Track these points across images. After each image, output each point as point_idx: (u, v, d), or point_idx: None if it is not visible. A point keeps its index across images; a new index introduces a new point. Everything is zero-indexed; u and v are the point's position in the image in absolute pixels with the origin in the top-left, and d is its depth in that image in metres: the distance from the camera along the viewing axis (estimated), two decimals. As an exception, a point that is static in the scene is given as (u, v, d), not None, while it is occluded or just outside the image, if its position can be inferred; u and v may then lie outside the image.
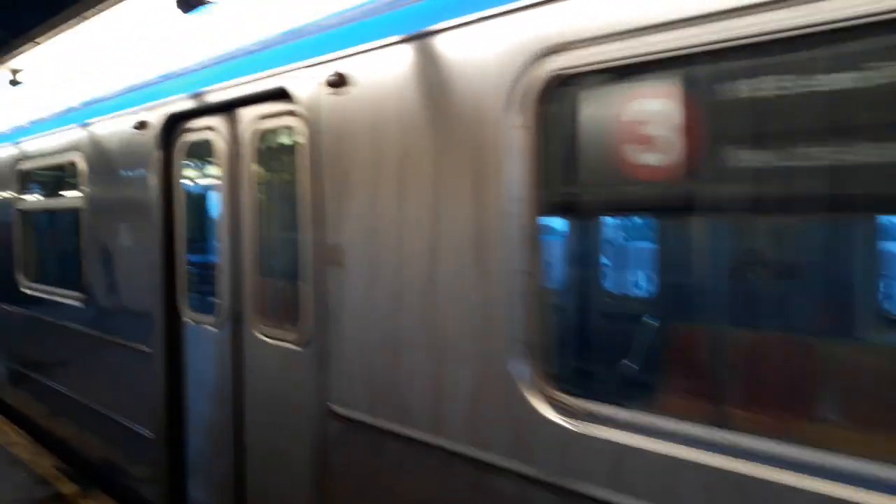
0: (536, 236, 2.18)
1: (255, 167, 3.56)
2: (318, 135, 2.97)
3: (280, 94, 3.20)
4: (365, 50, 2.76)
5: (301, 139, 3.11)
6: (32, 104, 6.18)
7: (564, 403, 2.11)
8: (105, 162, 4.76)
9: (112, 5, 5.46)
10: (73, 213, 5.33)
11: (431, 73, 2.50)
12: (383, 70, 2.68)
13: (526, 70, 2.16)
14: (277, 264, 3.53)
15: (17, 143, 6.41)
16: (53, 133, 5.59)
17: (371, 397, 2.75)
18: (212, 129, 3.81)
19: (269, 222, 3.57)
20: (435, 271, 2.47)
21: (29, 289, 6.30)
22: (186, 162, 4.12)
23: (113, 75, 4.83)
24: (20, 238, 6.49)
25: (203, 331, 3.95)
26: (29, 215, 6.49)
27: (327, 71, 2.90)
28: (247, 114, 3.57)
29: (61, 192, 5.93)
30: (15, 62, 7.71)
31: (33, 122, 6.17)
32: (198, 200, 4.17)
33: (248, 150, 3.58)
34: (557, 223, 2.92)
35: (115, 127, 4.62)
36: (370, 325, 2.74)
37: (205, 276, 4.02)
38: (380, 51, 2.70)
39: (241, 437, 3.66)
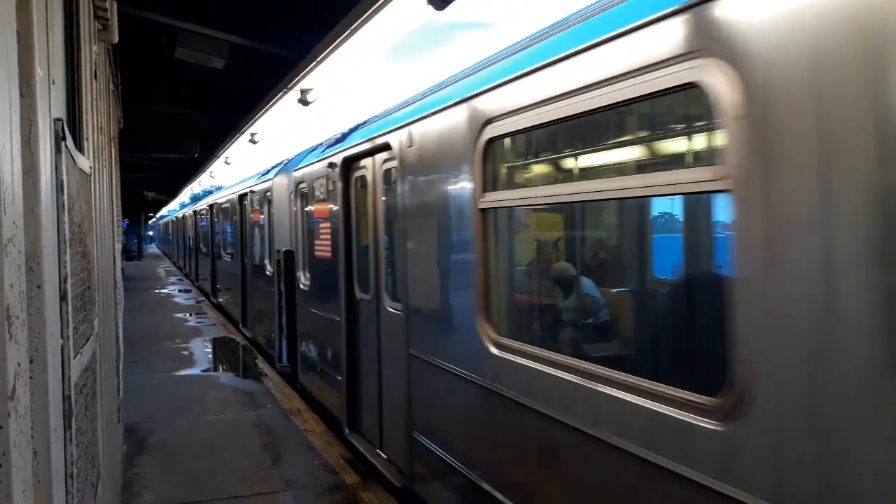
0: None
1: None
2: None
3: None
4: None
5: None
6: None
7: None
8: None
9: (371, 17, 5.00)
10: (633, 210, 3.27)
11: None
12: None
13: None
14: None
15: (472, 97, 3.82)
16: (587, 53, 2.82)
17: None
18: None
19: None
20: None
21: (501, 349, 3.57)
22: None
23: None
24: (482, 259, 3.74)
25: None
26: (505, 218, 3.88)
27: None
28: None
29: (605, 167, 3.59)
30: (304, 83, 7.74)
31: (517, 44, 3.67)
32: None
33: None
34: None
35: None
36: None
37: None
38: None
39: None
